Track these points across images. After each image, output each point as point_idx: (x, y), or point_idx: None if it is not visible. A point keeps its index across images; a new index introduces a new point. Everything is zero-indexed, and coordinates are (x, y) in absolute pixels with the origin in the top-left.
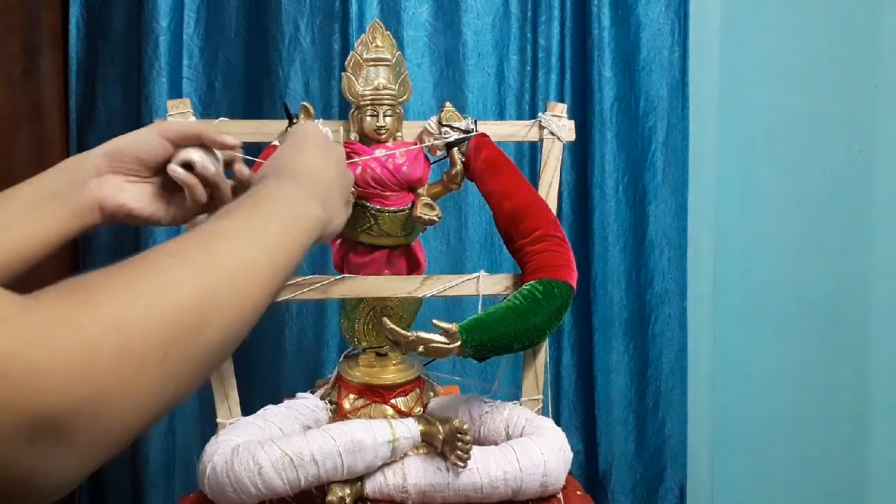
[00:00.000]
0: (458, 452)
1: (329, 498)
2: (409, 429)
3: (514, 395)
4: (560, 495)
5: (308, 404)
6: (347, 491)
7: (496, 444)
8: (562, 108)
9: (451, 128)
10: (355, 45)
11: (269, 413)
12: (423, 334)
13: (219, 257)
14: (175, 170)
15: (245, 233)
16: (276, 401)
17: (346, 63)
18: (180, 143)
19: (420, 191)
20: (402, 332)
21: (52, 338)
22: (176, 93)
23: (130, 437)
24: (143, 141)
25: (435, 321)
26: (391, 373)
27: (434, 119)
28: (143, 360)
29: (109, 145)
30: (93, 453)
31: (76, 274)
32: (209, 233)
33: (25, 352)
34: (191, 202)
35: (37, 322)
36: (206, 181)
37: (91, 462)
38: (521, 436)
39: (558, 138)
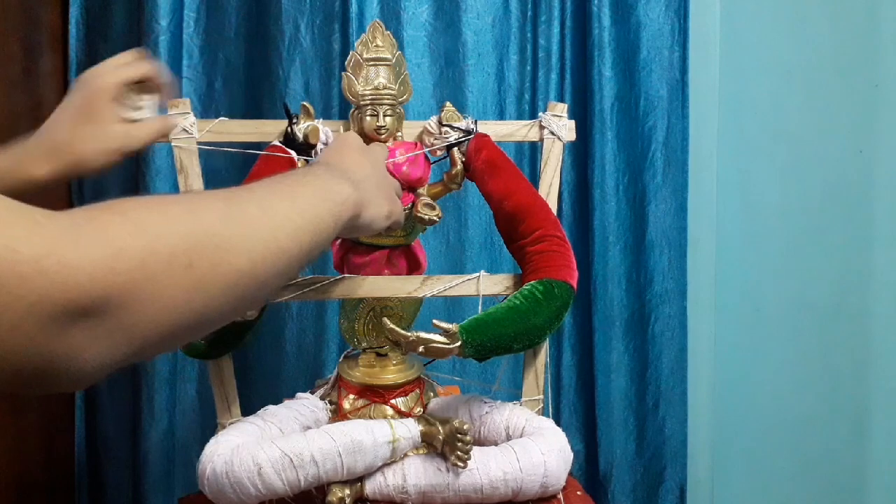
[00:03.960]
0: (459, 453)
1: (329, 498)
2: (409, 429)
3: (515, 395)
4: (560, 496)
5: (308, 404)
6: (347, 492)
7: (496, 444)
8: (562, 108)
9: (452, 128)
10: (355, 44)
11: (269, 413)
12: (423, 334)
13: (245, 203)
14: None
15: (272, 190)
16: (276, 401)
17: (346, 63)
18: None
19: (420, 191)
20: (402, 332)
21: (81, 237)
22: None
23: (160, 334)
24: (100, 161)
25: (435, 321)
26: (391, 373)
27: (434, 119)
28: (169, 263)
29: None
30: (121, 340)
31: None
32: (239, 188)
33: (57, 250)
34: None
35: (67, 224)
36: None
37: (120, 349)
38: (521, 436)
39: (559, 138)
